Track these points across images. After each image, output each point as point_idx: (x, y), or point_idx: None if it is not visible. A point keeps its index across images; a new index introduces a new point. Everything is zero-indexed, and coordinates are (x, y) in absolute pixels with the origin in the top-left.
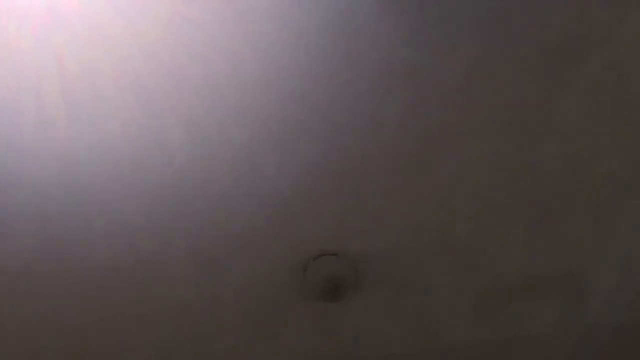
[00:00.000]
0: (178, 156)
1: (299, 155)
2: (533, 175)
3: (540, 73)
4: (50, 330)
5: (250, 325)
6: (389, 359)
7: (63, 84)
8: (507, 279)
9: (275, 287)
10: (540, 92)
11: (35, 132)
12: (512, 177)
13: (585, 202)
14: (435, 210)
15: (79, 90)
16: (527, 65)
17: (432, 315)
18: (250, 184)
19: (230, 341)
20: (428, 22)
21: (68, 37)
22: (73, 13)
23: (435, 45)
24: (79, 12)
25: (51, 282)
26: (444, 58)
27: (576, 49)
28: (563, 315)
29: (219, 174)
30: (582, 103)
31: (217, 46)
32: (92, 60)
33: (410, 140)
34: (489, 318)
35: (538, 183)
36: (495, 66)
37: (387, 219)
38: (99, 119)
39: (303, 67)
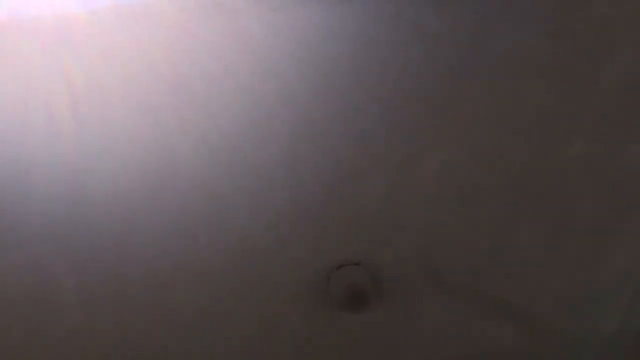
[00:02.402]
0: (188, 172)
1: (315, 164)
2: (547, 180)
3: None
4: (56, 340)
5: (274, 337)
6: None
7: (72, 100)
8: (531, 287)
9: (298, 298)
10: (543, 97)
11: (45, 146)
12: (532, 184)
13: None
14: (459, 217)
15: (88, 106)
16: (535, 72)
17: (457, 323)
18: (265, 195)
19: (254, 354)
20: (426, 27)
21: (77, 55)
22: (82, 31)
23: (434, 53)
24: (88, 30)
25: (60, 293)
26: (451, 68)
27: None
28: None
29: (230, 187)
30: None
31: (223, 63)
32: (100, 77)
33: (427, 147)
34: (516, 325)
35: (555, 187)
36: (502, 75)
37: (409, 227)
38: (107, 133)
39: (312, 81)
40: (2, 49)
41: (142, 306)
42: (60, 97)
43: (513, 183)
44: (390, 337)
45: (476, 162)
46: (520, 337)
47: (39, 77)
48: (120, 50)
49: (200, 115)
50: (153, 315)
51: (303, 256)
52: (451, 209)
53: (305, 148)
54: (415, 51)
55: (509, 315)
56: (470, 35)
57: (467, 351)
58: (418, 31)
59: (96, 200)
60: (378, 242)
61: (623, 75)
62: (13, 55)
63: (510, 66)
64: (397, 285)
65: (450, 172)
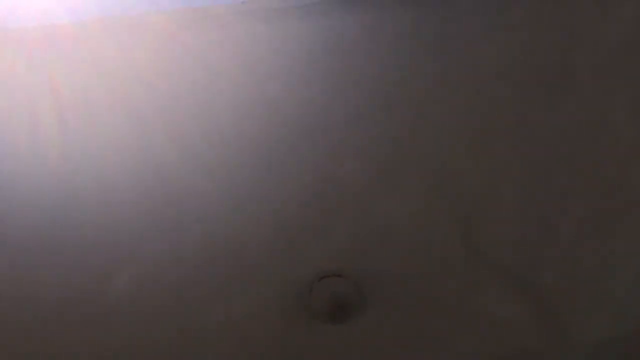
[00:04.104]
0: (175, 181)
1: (298, 175)
2: (537, 187)
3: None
4: (45, 355)
5: (256, 349)
6: None
7: (58, 110)
8: (518, 295)
9: (280, 310)
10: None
11: (29, 157)
12: (519, 190)
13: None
14: (441, 227)
15: (74, 116)
16: (524, 84)
17: (440, 334)
18: (248, 206)
19: None
20: (422, 44)
21: (63, 65)
22: (68, 39)
23: (429, 65)
24: (74, 41)
25: (46, 305)
26: (438, 82)
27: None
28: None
29: (216, 198)
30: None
31: (211, 71)
32: (86, 86)
33: (411, 158)
34: (502, 334)
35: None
36: (492, 83)
37: (391, 238)
38: (94, 144)
39: (297, 90)
40: None
41: (126, 311)
42: (46, 107)
43: (499, 197)
44: (373, 349)
45: (462, 172)
46: (507, 346)
47: (25, 87)
48: (107, 60)
49: (187, 125)
50: (135, 320)
51: (285, 267)
52: (434, 219)
53: (290, 158)
54: (401, 62)
55: (493, 324)
56: (456, 46)
57: None
58: (403, 42)
59: (82, 209)
60: (361, 253)
61: None
62: None
63: (502, 74)
64: (380, 296)
65: (433, 182)
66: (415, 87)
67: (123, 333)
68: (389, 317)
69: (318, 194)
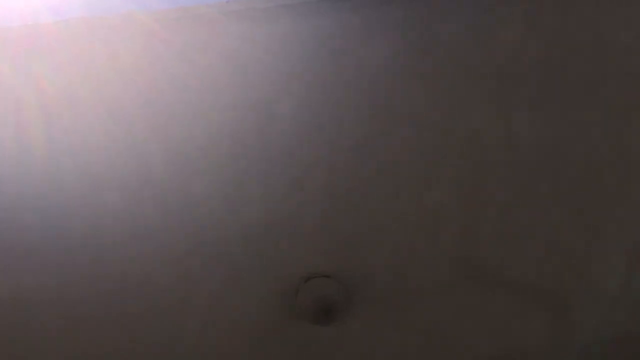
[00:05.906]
0: (161, 181)
1: (287, 176)
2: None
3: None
4: (35, 357)
5: (242, 350)
6: None
7: (43, 109)
8: (504, 295)
9: (266, 311)
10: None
11: (14, 158)
12: (511, 189)
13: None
14: (427, 229)
15: (59, 116)
16: (513, 83)
17: (425, 335)
18: (237, 206)
19: None
20: (412, 47)
21: (48, 63)
22: (53, 38)
23: (418, 64)
24: (59, 38)
25: (33, 306)
26: (428, 81)
27: None
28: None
29: (203, 198)
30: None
31: (195, 70)
32: (72, 85)
33: (400, 160)
34: (488, 336)
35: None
36: (479, 89)
37: (378, 239)
38: (80, 143)
39: (284, 90)
40: None
41: (114, 312)
42: (32, 107)
43: (491, 196)
44: (360, 351)
45: (455, 173)
46: (502, 346)
47: (10, 86)
48: (92, 59)
49: (174, 125)
50: (124, 320)
51: (271, 268)
52: (424, 223)
53: (279, 159)
54: (390, 60)
55: (481, 327)
56: (445, 44)
57: None
58: (391, 41)
59: (69, 209)
60: (348, 254)
61: None
62: None
63: (490, 73)
64: (367, 297)
65: (426, 184)
66: (405, 86)
67: (111, 334)
68: (377, 319)
69: (308, 195)
